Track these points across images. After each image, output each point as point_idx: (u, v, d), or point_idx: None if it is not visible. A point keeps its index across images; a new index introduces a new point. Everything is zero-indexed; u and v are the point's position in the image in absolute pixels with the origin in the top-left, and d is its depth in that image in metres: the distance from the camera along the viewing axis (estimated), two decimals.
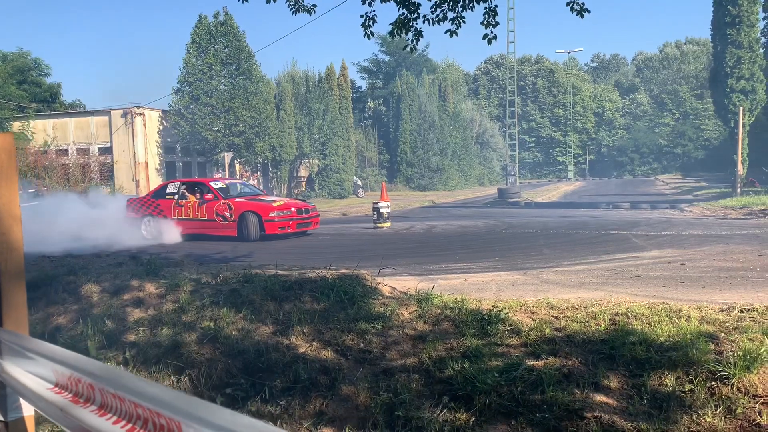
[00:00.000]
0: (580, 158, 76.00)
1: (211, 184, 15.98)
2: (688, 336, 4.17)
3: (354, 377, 3.93)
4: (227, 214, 14.79)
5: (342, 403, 3.73)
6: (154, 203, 15.97)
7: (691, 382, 3.59)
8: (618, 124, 75.80)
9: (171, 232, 15.08)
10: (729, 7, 28.11)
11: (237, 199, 15.15)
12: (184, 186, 16.04)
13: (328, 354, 4.25)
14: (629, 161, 73.92)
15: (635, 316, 4.83)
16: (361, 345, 4.37)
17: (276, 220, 14.55)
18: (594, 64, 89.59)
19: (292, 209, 15.08)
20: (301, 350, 4.31)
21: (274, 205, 15.01)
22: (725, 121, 30.75)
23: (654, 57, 79.05)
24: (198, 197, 15.40)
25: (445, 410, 3.51)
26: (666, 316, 4.82)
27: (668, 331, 4.35)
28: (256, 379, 4.07)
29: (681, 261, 9.36)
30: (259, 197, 15.95)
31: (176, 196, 15.70)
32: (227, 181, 17.15)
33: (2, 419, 1.55)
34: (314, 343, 4.40)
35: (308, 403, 3.77)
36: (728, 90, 28.76)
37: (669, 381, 3.63)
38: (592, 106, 75.88)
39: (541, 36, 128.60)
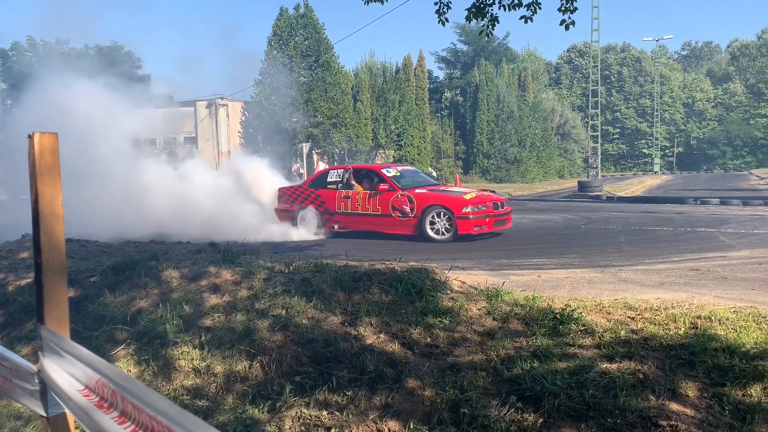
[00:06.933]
0: (667, 151, 72.74)
1: (383, 171, 13.52)
2: None
3: (420, 372, 3.92)
4: (407, 209, 12.41)
5: (407, 397, 3.73)
6: (313, 194, 13.70)
7: None
8: (709, 116, 72.00)
9: (333, 228, 13.35)
10: None
11: (417, 191, 12.72)
12: (349, 173, 13.55)
13: (394, 347, 4.26)
14: (720, 154, 70.12)
15: (719, 320, 4.56)
16: (428, 339, 4.35)
17: (471, 217, 12.03)
18: (684, 52, 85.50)
19: (488, 204, 12.55)
20: (369, 341, 4.33)
21: (467, 198, 12.36)
22: None
23: (751, 44, 74.36)
24: (367, 187, 13.16)
25: (512, 410, 3.44)
26: (753, 321, 4.53)
27: (755, 338, 4.10)
28: (324, 368, 4.13)
29: None
30: (442, 188, 13.76)
31: (339, 186, 13.44)
32: (400, 168, 14.45)
33: (44, 414, 1.64)
34: (381, 335, 4.41)
35: (374, 395, 3.79)
36: None
37: (754, 392, 3.42)
38: (681, 96, 72.40)
39: (627, 23, 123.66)
